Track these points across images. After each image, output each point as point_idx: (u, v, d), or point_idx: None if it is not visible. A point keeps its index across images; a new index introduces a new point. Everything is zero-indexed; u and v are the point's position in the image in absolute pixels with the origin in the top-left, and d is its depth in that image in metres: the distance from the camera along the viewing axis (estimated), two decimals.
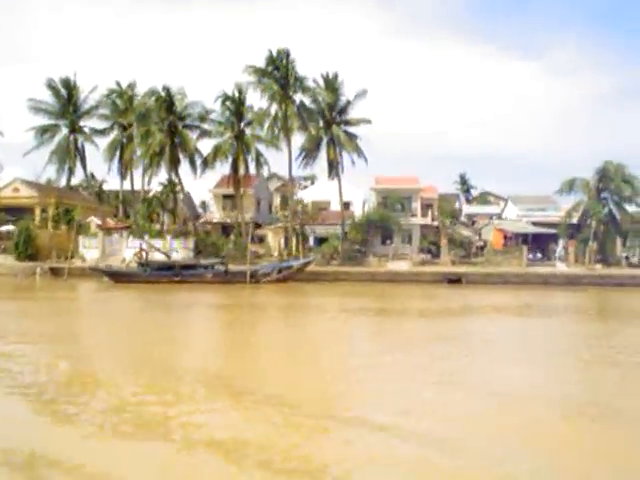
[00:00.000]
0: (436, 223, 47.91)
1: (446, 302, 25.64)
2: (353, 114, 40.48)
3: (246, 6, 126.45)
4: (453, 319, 20.42)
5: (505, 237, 41.88)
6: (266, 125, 37.44)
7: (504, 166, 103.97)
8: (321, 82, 39.01)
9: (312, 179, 61.77)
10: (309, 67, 76.94)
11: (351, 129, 40.60)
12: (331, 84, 38.79)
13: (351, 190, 54.15)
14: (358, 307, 23.35)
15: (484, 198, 60.42)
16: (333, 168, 40.23)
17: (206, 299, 25.86)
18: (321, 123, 39.80)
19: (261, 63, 37.52)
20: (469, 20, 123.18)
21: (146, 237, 37.32)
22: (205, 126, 39.46)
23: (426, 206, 49.32)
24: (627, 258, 39.29)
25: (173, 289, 28.58)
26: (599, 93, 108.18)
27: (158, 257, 34.13)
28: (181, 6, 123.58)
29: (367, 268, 36.89)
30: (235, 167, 38.60)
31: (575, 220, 40.00)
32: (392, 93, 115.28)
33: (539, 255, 40.04)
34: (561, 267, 37.25)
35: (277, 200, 54.81)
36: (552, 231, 41.23)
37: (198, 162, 39.33)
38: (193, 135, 39.10)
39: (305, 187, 59.56)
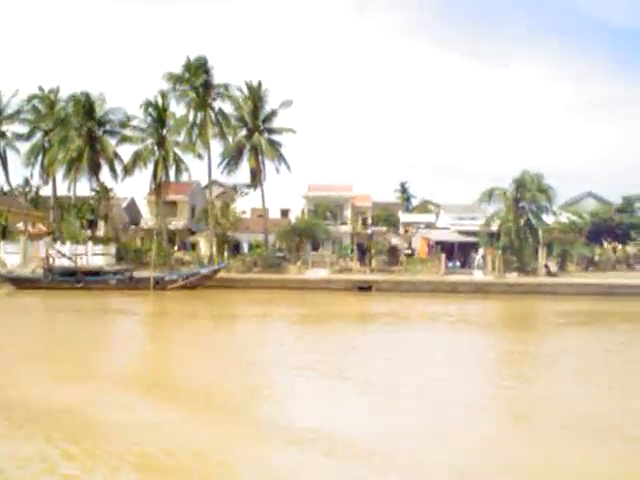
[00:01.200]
0: (369, 231, 48.52)
1: (337, 308, 26.22)
2: (279, 122, 40.68)
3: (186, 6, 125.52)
4: (334, 324, 21.13)
5: (429, 245, 42.35)
6: (183, 132, 37.42)
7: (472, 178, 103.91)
8: (245, 90, 39.30)
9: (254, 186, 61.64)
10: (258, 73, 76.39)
11: (277, 137, 40.80)
12: (254, 92, 39.00)
13: (292, 197, 54.52)
14: (250, 314, 23.81)
15: (424, 207, 61.10)
16: (256, 176, 40.30)
17: (98, 305, 25.84)
18: (245, 131, 39.92)
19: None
20: (437, 27, 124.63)
21: (53, 243, 37.09)
22: (127, 132, 39.29)
23: (360, 214, 49.87)
24: (547, 267, 39.87)
25: (75, 295, 28.48)
26: (567, 104, 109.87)
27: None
28: (115, 7, 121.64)
29: (285, 275, 37.04)
30: (156, 173, 38.50)
31: (495, 228, 40.67)
32: (365, 99, 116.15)
33: (458, 264, 40.51)
34: (478, 275, 37.82)
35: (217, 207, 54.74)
36: (475, 239, 41.83)
37: (119, 168, 39.14)
38: (113, 141, 38.90)
39: (247, 194, 59.57)
